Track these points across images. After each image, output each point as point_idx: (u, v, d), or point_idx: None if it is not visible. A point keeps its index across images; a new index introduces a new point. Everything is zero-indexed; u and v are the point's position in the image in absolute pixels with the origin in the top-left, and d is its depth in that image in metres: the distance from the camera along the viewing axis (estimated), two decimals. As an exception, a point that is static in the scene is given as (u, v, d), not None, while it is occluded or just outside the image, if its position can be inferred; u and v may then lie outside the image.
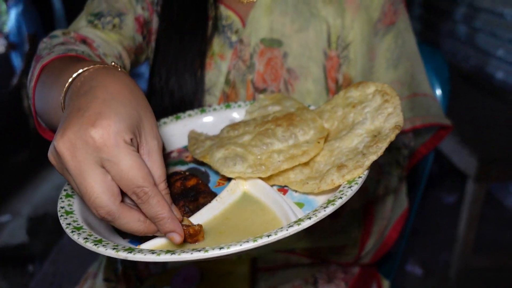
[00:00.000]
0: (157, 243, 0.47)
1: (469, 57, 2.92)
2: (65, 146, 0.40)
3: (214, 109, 0.73)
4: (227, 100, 0.84)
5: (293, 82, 0.81)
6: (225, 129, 0.63)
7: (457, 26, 3.08)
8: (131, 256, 0.40)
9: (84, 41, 0.75)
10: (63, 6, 5.10)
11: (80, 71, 0.48)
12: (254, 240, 0.39)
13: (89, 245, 0.42)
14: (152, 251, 0.40)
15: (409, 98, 0.84)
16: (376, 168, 0.82)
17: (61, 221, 0.47)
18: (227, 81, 0.83)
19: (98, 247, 0.42)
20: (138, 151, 0.44)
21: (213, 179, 0.60)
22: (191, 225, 0.46)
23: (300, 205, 0.51)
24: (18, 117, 4.09)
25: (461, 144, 1.86)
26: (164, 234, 0.45)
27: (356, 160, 0.48)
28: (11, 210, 3.04)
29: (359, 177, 0.47)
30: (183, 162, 0.65)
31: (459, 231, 1.92)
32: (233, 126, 0.62)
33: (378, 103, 0.52)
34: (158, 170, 0.45)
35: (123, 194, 0.43)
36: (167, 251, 0.40)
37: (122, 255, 0.40)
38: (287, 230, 0.40)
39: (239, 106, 0.72)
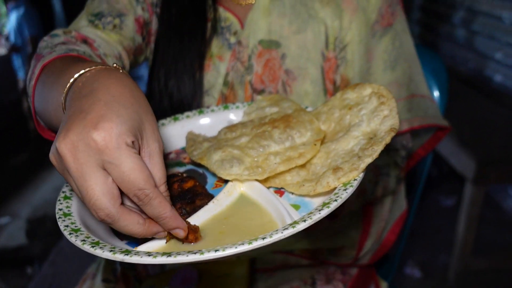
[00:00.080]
0: (154, 245, 0.48)
1: (468, 60, 2.93)
2: (67, 148, 0.40)
3: (212, 110, 0.73)
4: (226, 101, 0.84)
5: (291, 83, 0.81)
6: (222, 130, 0.63)
7: (455, 30, 3.09)
8: (128, 258, 0.40)
9: (84, 40, 0.75)
10: (63, 9, 5.11)
11: (82, 71, 0.48)
12: (249, 243, 0.39)
13: (87, 247, 0.42)
14: (149, 253, 0.40)
15: (407, 99, 0.85)
16: (373, 170, 0.82)
17: (59, 223, 0.47)
18: (226, 83, 0.83)
19: (95, 249, 0.42)
20: (139, 153, 0.44)
21: (211, 181, 0.60)
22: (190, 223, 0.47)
23: (296, 207, 0.51)
24: (18, 119, 4.10)
25: (459, 146, 1.87)
26: (168, 231, 0.46)
27: (351, 162, 0.48)
28: (10, 212, 3.04)
29: (355, 179, 0.47)
30: (181, 164, 0.65)
31: (458, 233, 1.92)
32: (231, 128, 0.62)
33: (374, 105, 0.52)
34: (158, 172, 0.45)
35: (123, 196, 0.43)
36: (163, 253, 0.40)
37: (119, 257, 0.40)
38: (282, 232, 0.40)
39: (237, 107, 0.72)
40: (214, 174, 0.59)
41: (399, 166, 0.86)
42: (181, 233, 0.45)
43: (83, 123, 0.40)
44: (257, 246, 0.39)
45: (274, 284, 0.83)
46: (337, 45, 0.81)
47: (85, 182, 0.40)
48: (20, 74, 4.02)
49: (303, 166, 0.54)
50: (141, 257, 0.40)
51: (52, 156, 0.43)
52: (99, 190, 0.40)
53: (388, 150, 0.86)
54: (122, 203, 0.43)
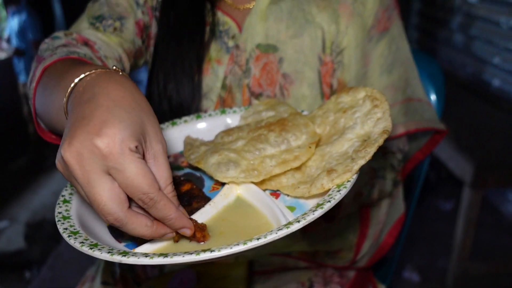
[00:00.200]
0: (151, 247, 0.48)
1: (466, 65, 2.94)
2: (72, 156, 0.40)
3: (210, 115, 0.74)
4: (224, 104, 0.85)
5: (288, 87, 0.82)
6: (219, 134, 0.64)
7: (454, 34, 3.11)
8: (125, 260, 0.41)
9: (85, 43, 0.75)
10: (63, 12, 5.14)
11: (82, 76, 0.48)
12: (244, 243, 0.40)
13: (85, 249, 0.43)
14: (146, 255, 0.41)
15: (404, 102, 0.85)
16: (370, 172, 0.83)
17: (58, 226, 0.48)
18: (224, 86, 0.84)
19: (93, 251, 0.43)
20: (144, 156, 0.44)
21: (208, 184, 0.60)
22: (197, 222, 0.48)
23: (291, 208, 0.52)
24: (18, 123, 4.11)
25: (458, 150, 1.87)
26: (175, 231, 0.47)
27: (345, 164, 0.49)
28: (8, 216, 3.04)
29: (348, 181, 0.48)
30: (179, 167, 0.66)
31: (456, 237, 1.92)
32: (227, 131, 0.63)
33: (368, 108, 0.53)
34: (164, 173, 0.45)
35: (130, 198, 0.44)
36: (160, 254, 0.40)
37: (117, 258, 0.41)
38: (276, 233, 0.41)
39: (234, 111, 0.73)
40: (211, 178, 0.59)
41: (395, 169, 0.86)
42: (188, 232, 0.46)
43: (86, 129, 0.41)
44: (252, 247, 0.40)
45: (272, 286, 0.83)
46: (333, 49, 0.82)
47: (93, 188, 0.41)
48: (22, 78, 4.03)
49: (298, 168, 0.55)
50: (138, 258, 0.40)
51: (58, 164, 0.43)
52: (107, 196, 0.41)
53: (385, 153, 0.86)
54: (129, 207, 0.44)
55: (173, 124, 0.72)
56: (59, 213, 0.50)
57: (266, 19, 0.82)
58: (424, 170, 1.14)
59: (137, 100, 0.45)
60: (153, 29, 0.88)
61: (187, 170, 0.65)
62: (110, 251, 0.42)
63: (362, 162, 0.47)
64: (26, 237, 2.73)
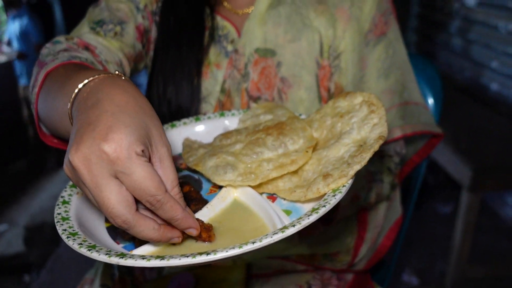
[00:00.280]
0: (148, 249, 0.49)
1: (464, 68, 2.95)
2: (80, 161, 0.41)
3: (209, 118, 0.74)
4: (223, 108, 0.85)
5: (286, 90, 0.83)
6: (218, 137, 0.64)
7: (452, 38, 3.12)
8: (123, 261, 0.41)
9: (86, 47, 0.76)
10: (63, 17, 5.15)
11: (86, 81, 0.49)
12: (240, 247, 0.40)
13: (83, 250, 0.43)
14: (143, 257, 0.41)
15: (401, 106, 0.86)
16: (367, 176, 0.83)
17: (57, 227, 0.48)
18: (223, 90, 0.85)
19: (91, 252, 0.43)
20: (150, 159, 0.45)
21: (206, 187, 0.61)
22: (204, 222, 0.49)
23: (288, 212, 0.52)
24: (17, 126, 4.11)
25: (456, 154, 1.88)
26: (182, 231, 0.47)
27: (341, 169, 0.49)
28: (8, 220, 3.04)
29: (344, 186, 0.49)
30: (177, 169, 0.66)
31: (455, 241, 1.92)
32: (226, 134, 0.64)
33: (364, 114, 0.54)
34: (170, 175, 0.46)
35: (137, 201, 0.45)
36: (157, 257, 0.41)
37: (114, 260, 0.41)
38: (271, 237, 0.41)
39: (233, 114, 0.73)
40: (209, 180, 0.60)
41: (392, 172, 0.87)
42: (194, 232, 0.47)
43: (93, 135, 0.41)
44: (247, 250, 0.40)
45: (270, 289, 0.83)
46: (331, 54, 0.83)
47: (101, 192, 0.41)
48: (23, 81, 4.03)
49: (295, 172, 0.55)
50: (136, 260, 0.41)
51: (66, 168, 0.44)
52: (115, 199, 0.42)
53: (382, 156, 0.87)
54: (137, 208, 0.44)
55: (172, 126, 0.73)
56: (58, 214, 0.51)
57: (265, 24, 0.83)
58: (422, 173, 1.14)
59: (141, 105, 0.46)
60: (153, 34, 0.89)
61: (186, 172, 0.65)
62: (108, 253, 0.42)
63: (357, 167, 0.48)
64: (26, 240, 2.73)
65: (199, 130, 0.73)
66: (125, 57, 0.81)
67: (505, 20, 2.52)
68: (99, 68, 0.67)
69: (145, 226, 0.44)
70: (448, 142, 1.91)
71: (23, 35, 3.97)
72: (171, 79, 0.84)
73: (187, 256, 0.40)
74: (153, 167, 0.44)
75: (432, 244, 2.35)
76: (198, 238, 0.48)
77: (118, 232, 0.52)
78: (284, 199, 0.54)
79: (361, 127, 0.53)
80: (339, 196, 0.47)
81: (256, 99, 0.84)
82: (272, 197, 0.56)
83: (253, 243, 0.41)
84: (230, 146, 0.60)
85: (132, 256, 0.42)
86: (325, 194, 0.49)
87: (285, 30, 0.83)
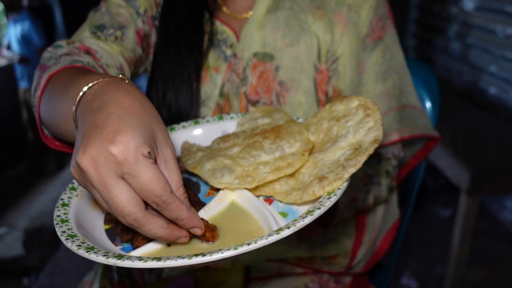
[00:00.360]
0: (146, 250, 0.49)
1: (463, 73, 2.96)
2: (88, 163, 0.42)
3: (207, 121, 0.74)
4: (221, 111, 0.86)
5: (284, 94, 0.84)
6: (216, 140, 0.65)
7: (450, 43, 3.13)
8: (120, 263, 0.42)
9: (87, 51, 0.76)
10: (63, 21, 5.17)
11: (90, 84, 0.50)
12: (235, 248, 0.41)
13: (82, 252, 0.44)
14: (140, 258, 0.42)
15: (398, 109, 0.87)
16: (365, 179, 0.84)
17: (56, 229, 0.49)
18: (222, 94, 0.85)
19: (90, 253, 0.43)
20: (155, 161, 0.46)
21: (204, 189, 0.61)
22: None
23: (284, 214, 0.53)
24: (17, 130, 4.11)
25: (454, 157, 1.88)
26: (188, 230, 0.48)
27: (336, 172, 0.50)
28: (7, 223, 3.04)
29: (338, 188, 0.49)
30: (178, 172, 0.67)
31: (454, 244, 1.93)
32: (224, 138, 0.64)
33: (360, 117, 0.54)
34: (175, 176, 0.47)
35: (145, 201, 0.45)
36: (154, 258, 0.41)
37: (112, 261, 0.42)
38: (266, 239, 0.42)
39: (231, 118, 0.74)
40: (207, 183, 0.60)
41: (390, 175, 0.87)
42: (199, 231, 0.48)
43: (101, 137, 0.42)
44: (243, 252, 0.41)
45: (268, 292, 0.84)
46: (329, 58, 0.84)
47: (110, 193, 0.42)
48: (23, 84, 4.04)
49: (292, 175, 0.56)
50: (133, 261, 0.41)
51: (73, 170, 0.45)
52: (125, 198, 0.42)
53: (380, 159, 0.87)
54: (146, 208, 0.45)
55: (172, 129, 0.73)
56: (58, 216, 0.51)
57: (263, 28, 0.84)
58: (420, 176, 1.15)
59: (145, 107, 0.47)
60: (153, 38, 0.89)
61: (184, 175, 0.66)
62: (106, 254, 0.43)
63: (352, 170, 0.49)
64: (25, 244, 2.73)
65: (198, 133, 0.73)
66: (125, 61, 0.82)
67: (503, 25, 2.53)
68: (100, 72, 0.68)
69: (154, 224, 0.45)
70: (447, 146, 1.92)
71: (25, 39, 3.98)
72: (170, 84, 0.85)
73: (183, 258, 0.41)
74: (159, 169, 0.44)
75: (430, 247, 2.35)
76: (202, 237, 0.49)
77: (116, 234, 0.53)
78: (281, 201, 0.55)
79: (356, 131, 0.54)
80: (334, 199, 0.47)
81: (254, 103, 0.85)
82: (268, 199, 0.56)
83: (248, 244, 0.41)
84: (228, 149, 0.60)
85: (129, 258, 0.42)
86: (320, 196, 0.49)
87: (284, 35, 0.83)
